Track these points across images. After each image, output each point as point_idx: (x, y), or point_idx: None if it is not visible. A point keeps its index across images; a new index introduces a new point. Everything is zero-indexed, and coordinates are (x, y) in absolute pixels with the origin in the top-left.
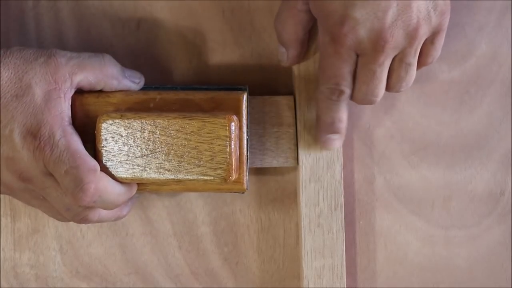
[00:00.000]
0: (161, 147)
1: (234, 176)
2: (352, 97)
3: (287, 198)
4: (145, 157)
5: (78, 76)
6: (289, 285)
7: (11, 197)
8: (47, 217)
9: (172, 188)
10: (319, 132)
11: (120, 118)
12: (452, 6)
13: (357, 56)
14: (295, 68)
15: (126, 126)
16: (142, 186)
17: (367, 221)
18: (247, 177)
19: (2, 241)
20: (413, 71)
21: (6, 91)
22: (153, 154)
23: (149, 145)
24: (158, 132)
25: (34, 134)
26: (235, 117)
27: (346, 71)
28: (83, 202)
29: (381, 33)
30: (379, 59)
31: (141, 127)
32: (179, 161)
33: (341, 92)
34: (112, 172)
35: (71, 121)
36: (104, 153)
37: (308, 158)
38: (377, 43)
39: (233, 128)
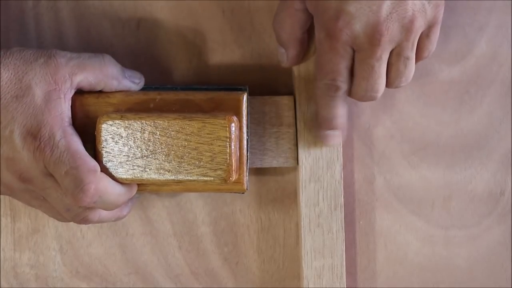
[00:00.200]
0: (161, 148)
1: (234, 176)
2: (353, 94)
3: (287, 198)
4: (145, 157)
5: (78, 76)
6: (289, 285)
7: (11, 197)
8: (47, 217)
9: (172, 188)
10: (318, 128)
11: (120, 119)
12: (452, 6)
13: (354, 51)
14: (295, 68)
15: (126, 126)
16: (142, 187)
17: (367, 221)
18: (247, 177)
19: (2, 241)
20: (412, 65)
21: (6, 92)
22: (153, 154)
23: (149, 146)
24: (158, 132)
25: (34, 135)
26: (235, 118)
27: (342, 66)
28: (83, 202)
29: (376, 27)
30: (376, 53)
31: (141, 128)
32: (179, 161)
33: (338, 88)
34: (112, 173)
35: (71, 122)
36: (104, 153)
37: (308, 158)
38: (373, 37)
39: (233, 129)
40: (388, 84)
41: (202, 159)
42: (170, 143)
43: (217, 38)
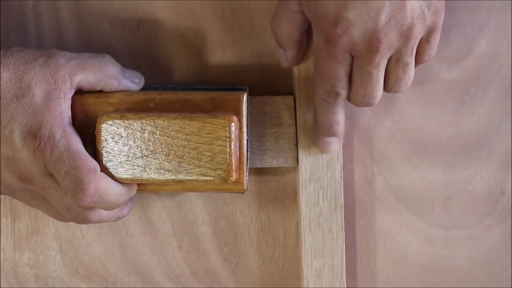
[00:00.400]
0: (161, 148)
1: (234, 176)
2: (350, 100)
3: (287, 198)
4: (145, 157)
5: (78, 76)
6: (289, 285)
7: (11, 197)
8: (47, 217)
9: (172, 188)
10: (317, 134)
11: (120, 119)
12: (452, 6)
13: (353, 58)
14: (295, 68)
15: (126, 126)
16: (142, 187)
17: (367, 221)
18: (247, 177)
19: (2, 241)
20: (411, 71)
21: (6, 92)
22: (153, 154)
23: (149, 146)
24: (158, 132)
25: (34, 135)
26: (235, 118)
27: (341, 72)
28: (83, 202)
29: (374, 34)
30: (374, 60)
31: (141, 128)
32: (179, 161)
33: (337, 94)
34: (112, 173)
35: (71, 122)
36: (104, 153)
37: (308, 158)
38: (371, 43)
39: (233, 128)
40: (387, 89)
41: (202, 158)
42: (170, 142)
43: (217, 38)
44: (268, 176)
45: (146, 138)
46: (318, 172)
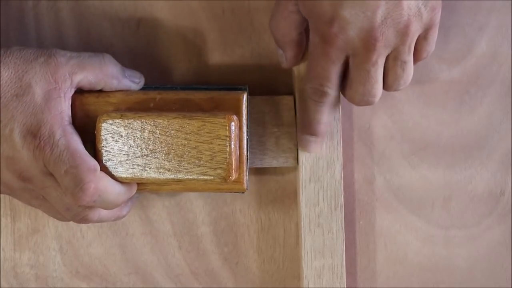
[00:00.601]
0: (161, 147)
1: (234, 176)
2: (350, 99)
3: (287, 198)
4: (145, 156)
5: (78, 75)
6: (289, 285)
7: (11, 197)
8: (47, 217)
9: (172, 188)
10: (298, 131)
11: (120, 118)
12: (452, 6)
13: (348, 57)
14: (295, 68)
15: (126, 126)
16: (142, 186)
17: (367, 221)
18: (247, 177)
19: (2, 241)
20: (410, 69)
21: (6, 91)
22: (153, 153)
23: (149, 145)
24: (158, 131)
25: (34, 134)
26: (235, 117)
27: (332, 72)
28: (83, 201)
29: (371, 32)
30: (371, 58)
31: (141, 127)
32: (179, 160)
33: (324, 93)
34: (112, 172)
35: (71, 121)
36: (104, 152)
37: (308, 158)
38: (368, 42)
39: (233, 128)
40: (387, 88)
41: (202, 158)
42: (170, 142)
43: (217, 38)
44: (268, 176)
45: (146, 138)
46: (318, 172)
